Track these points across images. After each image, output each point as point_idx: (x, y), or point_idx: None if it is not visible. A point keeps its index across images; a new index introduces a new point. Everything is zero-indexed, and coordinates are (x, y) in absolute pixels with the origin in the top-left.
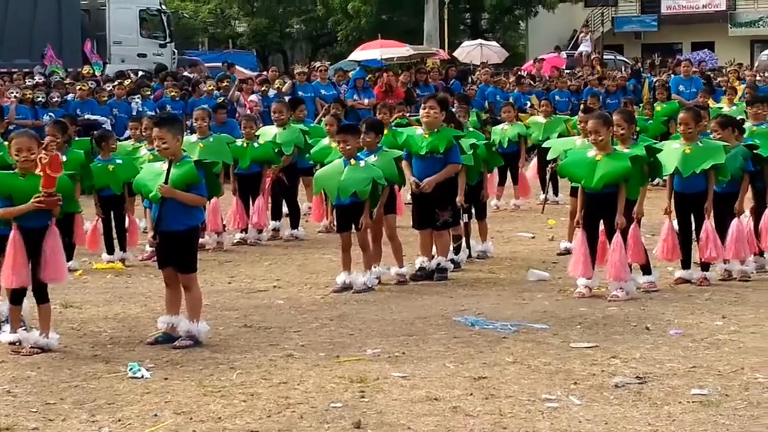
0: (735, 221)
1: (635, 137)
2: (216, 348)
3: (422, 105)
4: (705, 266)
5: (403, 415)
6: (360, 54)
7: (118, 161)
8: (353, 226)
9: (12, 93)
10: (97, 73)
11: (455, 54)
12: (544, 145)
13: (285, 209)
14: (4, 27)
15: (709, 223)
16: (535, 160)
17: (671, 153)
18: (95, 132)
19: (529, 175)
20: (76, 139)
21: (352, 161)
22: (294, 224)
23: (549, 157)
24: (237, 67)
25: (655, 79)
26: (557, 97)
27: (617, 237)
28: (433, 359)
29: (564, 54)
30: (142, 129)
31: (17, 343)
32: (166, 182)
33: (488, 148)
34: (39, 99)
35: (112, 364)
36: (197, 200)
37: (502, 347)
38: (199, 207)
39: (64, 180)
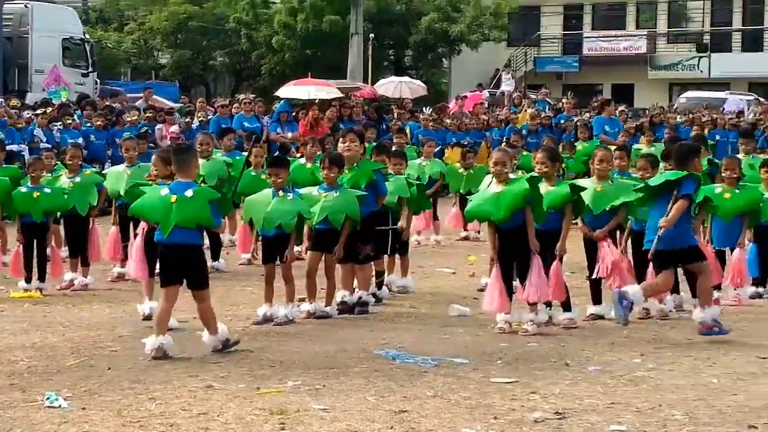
0: None
1: (561, 175)
2: (135, 378)
3: (341, 139)
4: None
5: None
6: (289, 90)
7: (46, 190)
8: (278, 258)
9: None
10: (58, 101)
11: (375, 86)
12: None
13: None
14: None
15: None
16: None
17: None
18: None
19: (450, 221)
20: (4, 165)
21: (280, 193)
22: (215, 256)
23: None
24: (157, 98)
25: (576, 119)
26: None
27: (536, 259)
28: (353, 392)
29: (486, 93)
30: (67, 158)
31: None
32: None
33: (420, 189)
34: None
35: (29, 393)
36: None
37: (422, 381)
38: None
39: None
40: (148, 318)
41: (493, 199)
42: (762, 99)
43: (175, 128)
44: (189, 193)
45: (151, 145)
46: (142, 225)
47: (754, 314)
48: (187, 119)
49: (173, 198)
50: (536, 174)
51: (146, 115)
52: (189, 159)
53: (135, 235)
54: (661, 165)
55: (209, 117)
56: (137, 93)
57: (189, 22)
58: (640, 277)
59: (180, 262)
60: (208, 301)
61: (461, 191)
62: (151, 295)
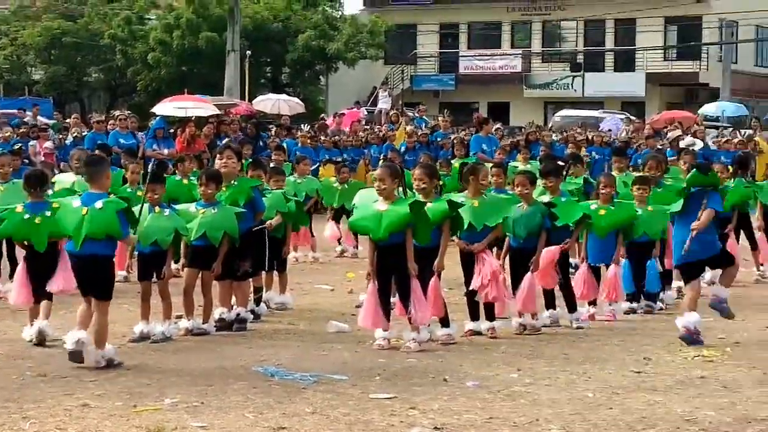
0: (528, 275)
1: (438, 192)
2: (8, 397)
3: (218, 155)
4: (491, 317)
5: None
6: (165, 107)
7: None
8: (154, 275)
9: None
10: None
11: (254, 103)
12: None
13: None
14: None
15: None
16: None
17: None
18: None
19: (327, 234)
20: None
21: (157, 209)
22: None
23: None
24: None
25: (453, 137)
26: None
27: (414, 282)
28: (232, 409)
29: (364, 110)
30: None
31: None
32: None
33: (298, 206)
34: None
35: None
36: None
37: (301, 398)
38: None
39: None
40: (39, 344)
41: (375, 217)
42: (633, 118)
43: (48, 144)
44: (99, 204)
45: (25, 161)
46: (21, 252)
47: (629, 329)
48: (61, 136)
49: (84, 210)
50: (415, 190)
51: (20, 130)
52: (101, 170)
53: (8, 254)
54: (540, 182)
55: (84, 133)
56: (9, 109)
57: (63, 38)
58: (516, 292)
59: (92, 273)
60: (107, 314)
61: (335, 205)
62: (32, 321)
